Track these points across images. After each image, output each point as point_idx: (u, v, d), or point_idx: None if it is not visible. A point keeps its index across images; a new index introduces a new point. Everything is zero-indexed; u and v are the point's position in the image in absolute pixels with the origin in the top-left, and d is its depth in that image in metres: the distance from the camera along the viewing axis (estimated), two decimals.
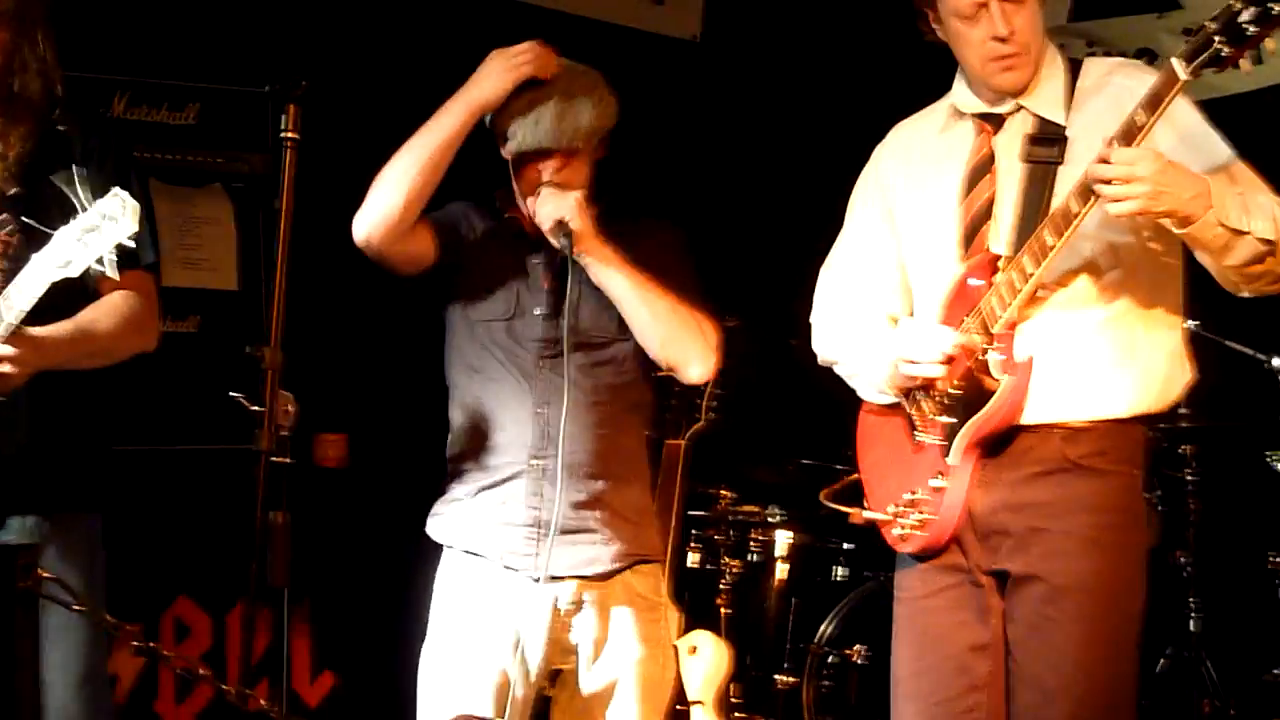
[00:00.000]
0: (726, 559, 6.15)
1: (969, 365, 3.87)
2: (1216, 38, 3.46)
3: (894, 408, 4.10)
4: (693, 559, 6.20)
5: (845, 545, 6.31)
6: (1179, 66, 3.53)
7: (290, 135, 3.88)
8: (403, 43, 6.72)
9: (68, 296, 3.81)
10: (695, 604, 6.01)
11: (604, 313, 4.23)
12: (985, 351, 3.85)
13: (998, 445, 3.88)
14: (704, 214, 6.87)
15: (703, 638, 5.91)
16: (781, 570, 6.25)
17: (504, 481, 4.22)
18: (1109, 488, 3.84)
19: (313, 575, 4.84)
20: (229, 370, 4.02)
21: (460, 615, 4.25)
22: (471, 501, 4.26)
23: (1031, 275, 3.77)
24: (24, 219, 3.81)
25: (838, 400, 6.82)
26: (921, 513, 3.96)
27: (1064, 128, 3.89)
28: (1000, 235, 3.90)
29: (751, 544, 6.27)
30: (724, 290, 4.95)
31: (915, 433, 4.03)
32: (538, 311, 4.24)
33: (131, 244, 3.57)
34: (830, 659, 6.04)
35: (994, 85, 3.94)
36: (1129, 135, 3.59)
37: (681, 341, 4.21)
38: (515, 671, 4.18)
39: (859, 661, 5.93)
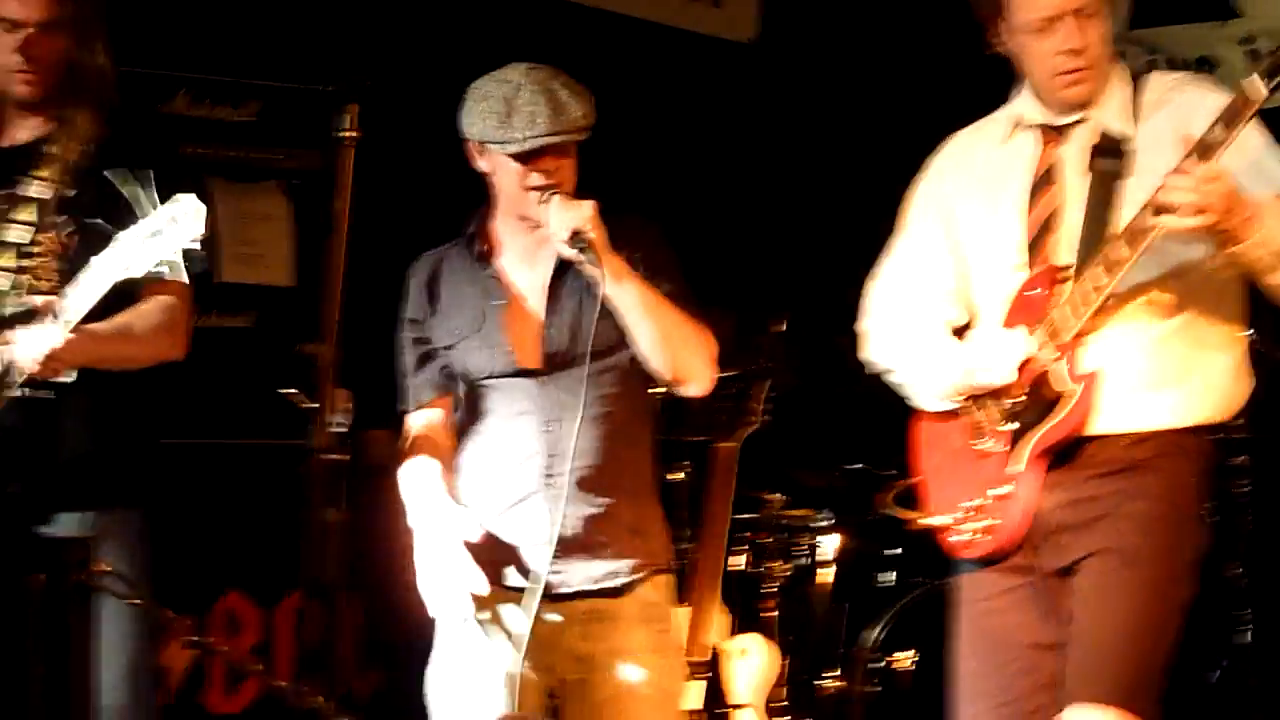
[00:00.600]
0: (774, 562, 6.15)
1: (1036, 374, 3.90)
2: None
3: (951, 415, 4.12)
4: (741, 562, 6.20)
5: (892, 550, 6.30)
6: (1259, 84, 3.55)
7: (349, 134, 3.89)
8: (458, 43, 6.74)
9: (114, 296, 3.85)
10: (744, 607, 6.01)
11: (604, 321, 4.14)
12: (1054, 361, 3.87)
13: (1063, 452, 3.90)
14: (757, 216, 6.91)
15: (752, 641, 5.91)
16: (829, 575, 6.25)
17: (519, 503, 4.18)
18: (1169, 484, 3.88)
19: (362, 572, 4.85)
20: (284, 366, 4.05)
21: (469, 631, 4.22)
22: (487, 523, 4.18)
23: (1105, 287, 3.79)
24: (86, 221, 3.86)
25: (885, 405, 6.84)
26: (986, 519, 3.98)
27: (1129, 140, 3.90)
28: (1065, 246, 3.91)
29: (799, 548, 6.26)
30: (775, 291, 5.00)
31: (977, 440, 4.05)
32: (509, 352, 4.19)
33: (197, 246, 3.59)
34: (877, 664, 6.03)
35: (1061, 98, 3.94)
36: (1206, 151, 3.59)
37: (687, 359, 4.17)
38: (523, 684, 4.14)
39: (906, 666, 5.92)
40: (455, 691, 4.23)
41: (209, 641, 3.45)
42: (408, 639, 6.19)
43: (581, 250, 4.04)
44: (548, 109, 4.05)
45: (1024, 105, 4.07)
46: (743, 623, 5.97)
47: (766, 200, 7.21)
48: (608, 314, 4.13)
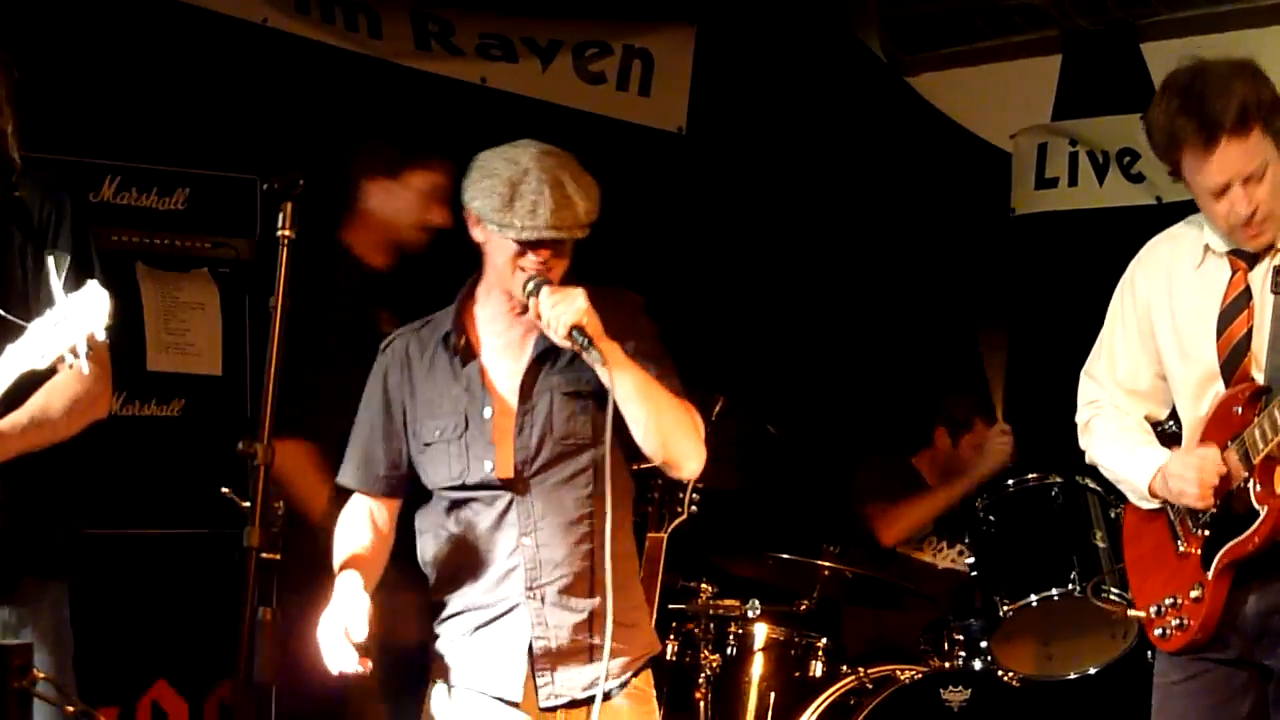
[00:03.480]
0: (705, 652, 6.14)
1: (1229, 490, 4.12)
2: None
3: (1156, 512, 4.36)
4: (671, 651, 6.19)
5: (823, 640, 6.30)
6: None
7: (286, 233, 3.89)
8: (386, 131, 6.75)
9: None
10: (673, 697, 5.99)
11: (575, 418, 4.18)
12: (1246, 480, 4.08)
13: (1265, 559, 4.12)
14: (687, 301, 6.93)
15: None
16: (759, 664, 6.24)
17: (501, 617, 4.18)
18: None
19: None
20: (212, 456, 4.04)
21: None
22: (469, 640, 4.21)
23: None
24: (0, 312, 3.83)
25: (815, 493, 6.85)
26: (1182, 619, 4.25)
27: None
28: (1260, 366, 4.12)
29: (730, 637, 6.26)
30: (708, 377, 5.01)
31: (1177, 541, 4.28)
32: (489, 464, 4.17)
33: (103, 336, 3.54)
34: None
35: (1243, 247, 4.16)
36: None
37: (681, 441, 4.16)
38: None
39: None
40: None
41: None
42: None
43: (581, 345, 4.03)
44: (551, 202, 4.02)
45: (1212, 237, 4.26)
46: (671, 714, 5.96)
47: (696, 284, 7.25)
48: (575, 410, 4.17)
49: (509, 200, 4.02)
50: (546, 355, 4.20)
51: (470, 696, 4.22)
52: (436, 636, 4.31)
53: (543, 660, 4.15)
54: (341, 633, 3.99)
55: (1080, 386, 4.57)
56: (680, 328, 4.45)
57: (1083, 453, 4.60)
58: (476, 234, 4.18)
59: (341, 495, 4.41)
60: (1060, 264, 7.42)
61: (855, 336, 7.81)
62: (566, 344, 4.05)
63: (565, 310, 4.02)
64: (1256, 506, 4.06)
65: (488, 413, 4.20)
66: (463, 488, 4.20)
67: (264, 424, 3.85)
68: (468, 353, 4.25)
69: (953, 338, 7.61)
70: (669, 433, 4.14)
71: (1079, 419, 4.56)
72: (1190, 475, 4.13)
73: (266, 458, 3.80)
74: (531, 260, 4.08)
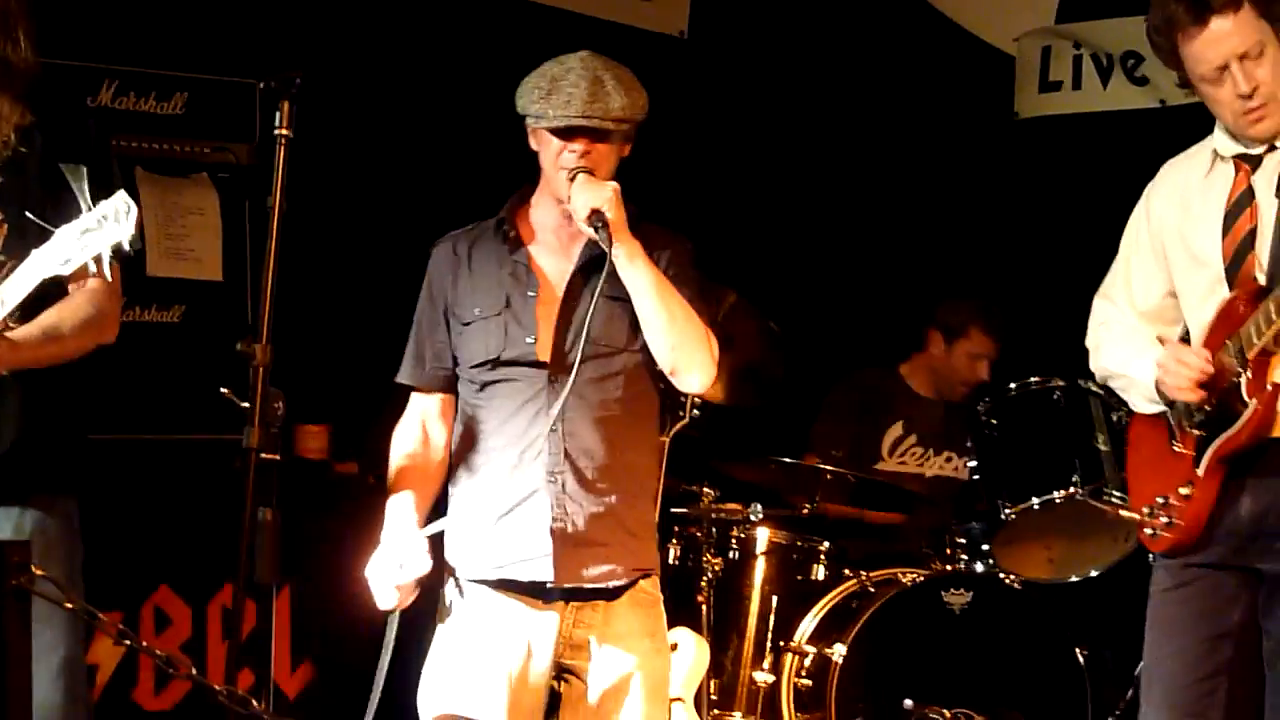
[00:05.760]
0: (707, 556, 6.15)
1: (1223, 386, 4.14)
2: None
3: (1160, 416, 4.39)
4: (673, 556, 6.20)
5: (825, 544, 6.31)
6: None
7: (283, 132, 3.87)
8: (388, 36, 6.73)
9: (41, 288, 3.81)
10: (676, 601, 6.00)
11: (613, 322, 4.25)
12: (1238, 375, 4.10)
13: (1258, 456, 4.15)
14: (689, 210, 6.91)
15: (683, 634, 5.91)
16: (761, 568, 6.26)
17: (523, 501, 4.22)
18: None
19: (293, 565, 4.83)
20: (213, 361, 4.03)
21: (471, 629, 4.27)
22: (490, 521, 4.26)
23: None
24: (15, 212, 3.82)
25: (818, 399, 6.83)
26: (1170, 518, 4.29)
27: None
28: (1261, 266, 4.14)
29: (732, 542, 6.27)
30: (711, 279, 4.99)
31: (1173, 442, 4.32)
32: (529, 340, 4.24)
33: (128, 247, 3.55)
34: (809, 657, 6.04)
35: (1248, 136, 4.18)
36: None
37: (690, 349, 4.22)
38: (524, 671, 4.22)
39: (837, 660, 5.94)
40: (454, 687, 4.26)
41: (138, 639, 3.40)
42: (339, 634, 6.21)
43: (598, 229, 4.12)
44: (586, 93, 4.17)
45: (1219, 140, 4.30)
46: (673, 617, 5.98)
47: (698, 193, 7.22)
48: (617, 314, 4.24)
49: (547, 93, 4.19)
50: (594, 262, 4.25)
51: (487, 591, 4.27)
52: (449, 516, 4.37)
53: (558, 548, 4.20)
54: (395, 571, 4.13)
55: (1094, 308, 4.60)
56: (685, 230, 4.45)
57: (1087, 357, 4.61)
58: (532, 143, 4.31)
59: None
60: (1064, 168, 7.40)
61: (857, 240, 7.78)
62: (587, 230, 4.15)
63: (591, 194, 4.14)
64: (1246, 399, 4.09)
65: (531, 293, 4.29)
66: (498, 363, 4.26)
67: (263, 324, 3.84)
68: (517, 241, 4.35)
69: (953, 242, 7.60)
70: (679, 339, 4.21)
71: (1089, 342, 4.60)
72: (1180, 370, 4.17)
73: (265, 358, 3.80)
74: (569, 155, 4.20)
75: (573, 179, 4.18)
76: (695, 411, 5.71)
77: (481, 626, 4.26)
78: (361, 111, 6.54)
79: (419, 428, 4.42)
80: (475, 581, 4.29)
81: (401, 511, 4.26)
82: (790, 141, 7.68)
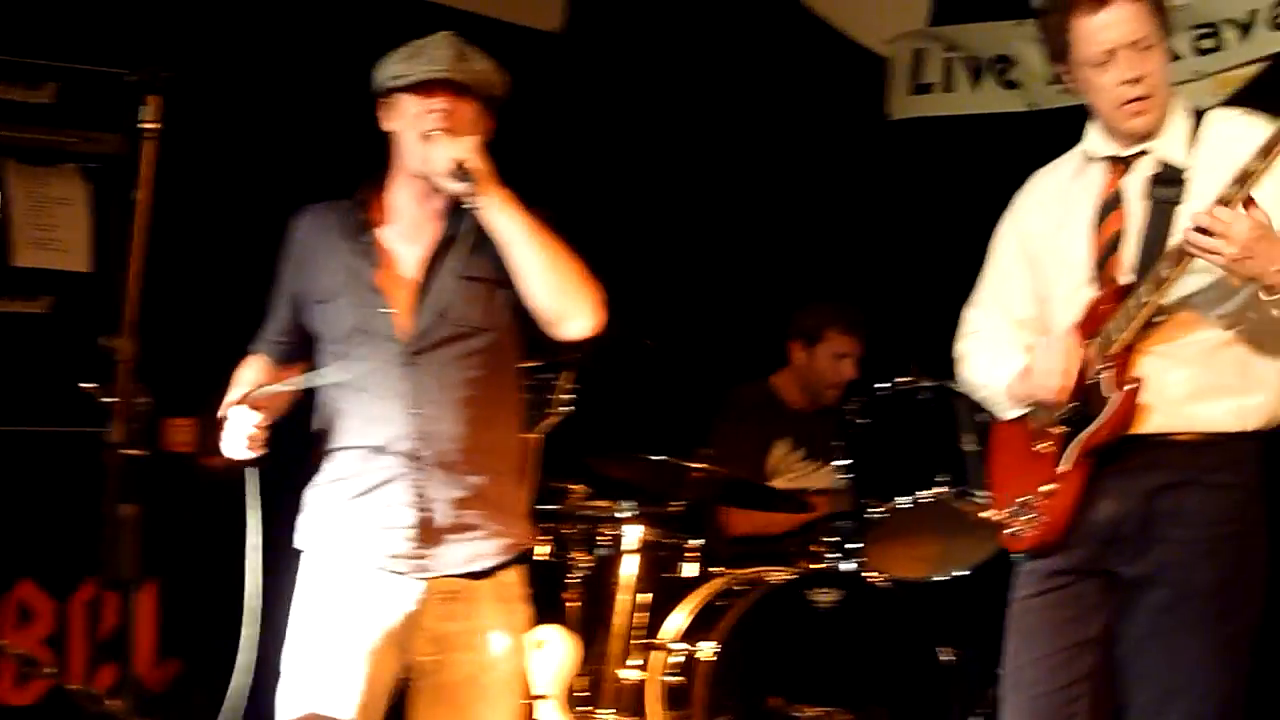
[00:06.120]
0: (575, 553, 6.16)
1: (1085, 383, 4.18)
2: None
3: (1022, 420, 4.43)
4: (542, 552, 6.20)
5: (693, 541, 6.33)
6: None
7: (150, 125, 3.83)
8: (258, 29, 6.68)
9: None
10: (545, 597, 6.01)
11: (473, 303, 4.20)
12: (1099, 371, 4.15)
13: (1120, 456, 4.20)
14: (562, 208, 6.91)
15: (550, 632, 5.92)
16: (630, 565, 6.27)
17: (381, 485, 4.19)
18: (1229, 501, 4.19)
19: (159, 559, 4.80)
20: (79, 353, 3.99)
21: (326, 616, 4.23)
22: (349, 505, 4.23)
23: (1150, 303, 4.08)
24: None
25: (689, 396, 6.85)
26: (1032, 515, 4.32)
27: (1185, 170, 4.17)
28: (1126, 267, 4.19)
29: (600, 538, 6.28)
30: None
31: (1037, 442, 4.34)
32: (382, 319, 4.20)
33: None
34: (677, 655, 6.06)
35: (1125, 129, 4.22)
36: (1241, 181, 3.90)
37: (570, 292, 4.13)
38: (379, 664, 4.19)
39: (705, 657, 5.96)
40: (312, 669, 4.21)
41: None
42: (205, 629, 6.17)
43: (464, 179, 4.05)
44: (451, 52, 4.14)
45: (1092, 141, 4.35)
46: (543, 614, 5.98)
47: (571, 191, 7.21)
48: (476, 294, 4.19)
49: (409, 56, 4.17)
50: (450, 241, 4.22)
51: (344, 578, 4.23)
52: (304, 497, 4.34)
53: (421, 533, 4.17)
54: (245, 415, 4.15)
55: (965, 318, 4.64)
56: (556, 234, 4.44)
57: (954, 358, 4.66)
58: (387, 123, 4.24)
59: None
60: (935, 170, 7.45)
61: (728, 240, 7.79)
62: (452, 185, 4.09)
63: (451, 147, 4.08)
64: (1106, 394, 4.15)
65: (374, 267, 4.23)
66: (350, 342, 4.21)
67: (126, 318, 3.80)
68: (366, 223, 4.29)
69: (825, 242, 7.64)
70: (560, 282, 4.13)
71: (956, 352, 4.64)
72: (1054, 364, 4.20)
73: (129, 353, 3.76)
74: (430, 117, 4.13)
75: (433, 139, 4.10)
76: (565, 408, 5.72)
77: (337, 614, 4.21)
78: (232, 103, 6.49)
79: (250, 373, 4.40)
80: (332, 568, 4.25)
81: (252, 374, 4.32)
82: (661, 140, 7.68)
